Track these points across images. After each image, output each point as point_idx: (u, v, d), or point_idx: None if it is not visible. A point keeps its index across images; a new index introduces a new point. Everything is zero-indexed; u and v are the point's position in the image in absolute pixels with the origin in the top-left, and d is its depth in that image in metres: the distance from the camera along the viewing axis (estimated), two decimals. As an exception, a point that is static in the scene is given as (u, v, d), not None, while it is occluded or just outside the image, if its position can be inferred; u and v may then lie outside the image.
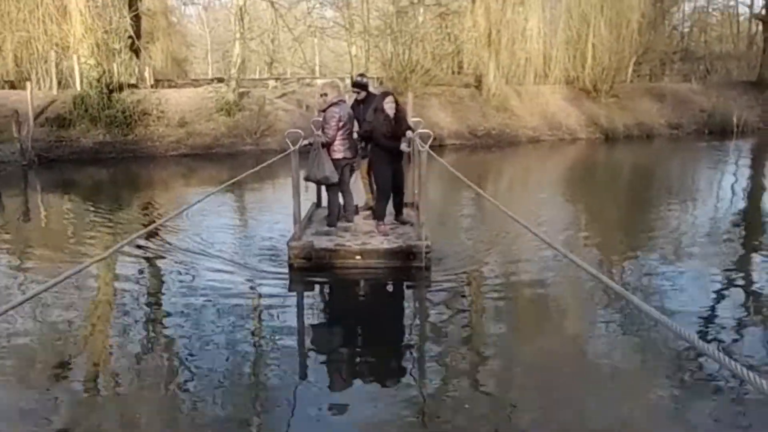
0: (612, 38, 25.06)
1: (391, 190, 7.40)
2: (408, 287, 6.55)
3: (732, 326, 5.29)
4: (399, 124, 7.12)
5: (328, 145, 7.13)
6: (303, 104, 21.65)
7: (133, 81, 22.22)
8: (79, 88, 20.18)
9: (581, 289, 6.22)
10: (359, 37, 25.62)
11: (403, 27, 24.13)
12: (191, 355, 4.82)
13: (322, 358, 4.81)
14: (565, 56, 25.15)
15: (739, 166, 17.58)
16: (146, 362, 4.75)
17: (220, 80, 24.18)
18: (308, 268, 6.69)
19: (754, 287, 6.50)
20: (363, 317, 5.79)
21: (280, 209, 9.06)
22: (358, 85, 7.97)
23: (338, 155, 7.22)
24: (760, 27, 30.99)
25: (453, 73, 26.53)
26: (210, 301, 5.91)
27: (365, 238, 7.18)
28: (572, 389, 4.24)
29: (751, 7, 34.15)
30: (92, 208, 11.53)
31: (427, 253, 6.62)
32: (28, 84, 19.23)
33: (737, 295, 6.27)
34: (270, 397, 4.19)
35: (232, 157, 19.08)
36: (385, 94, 7.30)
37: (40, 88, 20.66)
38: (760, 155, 20.65)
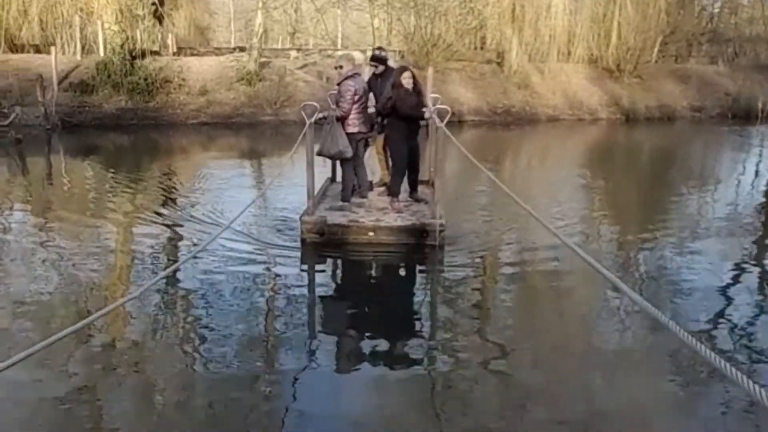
0: (638, 17, 24.57)
1: (406, 167, 7.41)
2: (420, 265, 6.50)
3: (746, 314, 5.22)
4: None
5: (342, 119, 7.05)
6: (323, 76, 21.61)
7: (155, 48, 22.29)
8: (102, 54, 20.35)
9: (597, 274, 6.18)
10: (382, 10, 25.38)
11: (426, 0, 23.86)
12: (201, 318, 4.96)
13: (331, 336, 4.82)
14: (590, 34, 24.69)
15: (763, 152, 17.32)
16: (159, 325, 4.91)
17: (242, 49, 24.14)
18: (321, 243, 6.70)
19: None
20: (374, 294, 5.82)
21: (299, 182, 9.14)
22: (377, 59, 7.85)
23: (353, 129, 7.13)
24: (793, 9, 30.24)
25: (475, 48, 26.16)
26: (222, 273, 5.95)
27: (379, 215, 7.19)
28: (584, 375, 4.26)
29: (784, -12, 33.22)
30: (113, 173, 11.76)
31: (441, 231, 6.59)
32: (52, 48, 19.44)
33: (752, 281, 6.21)
34: (280, 361, 4.30)
35: (251, 127, 19.19)
36: (403, 69, 7.22)
37: (64, 53, 20.87)
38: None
